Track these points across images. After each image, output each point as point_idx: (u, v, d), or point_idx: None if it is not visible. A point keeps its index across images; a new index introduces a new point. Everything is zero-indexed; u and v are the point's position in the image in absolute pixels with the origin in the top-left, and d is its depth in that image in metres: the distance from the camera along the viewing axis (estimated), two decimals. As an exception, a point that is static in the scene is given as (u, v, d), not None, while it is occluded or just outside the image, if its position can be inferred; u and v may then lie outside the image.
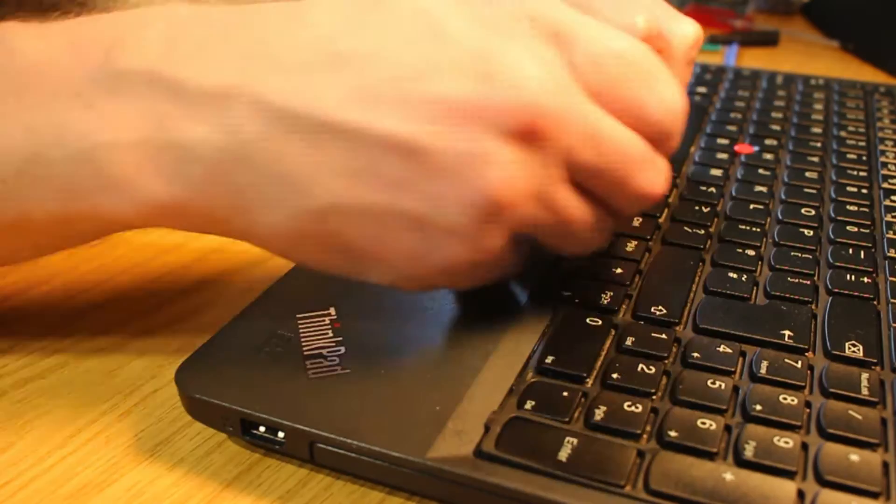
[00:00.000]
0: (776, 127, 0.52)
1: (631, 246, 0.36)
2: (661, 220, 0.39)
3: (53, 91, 0.26)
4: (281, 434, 0.27)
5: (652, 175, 0.28)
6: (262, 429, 0.27)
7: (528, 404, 0.27)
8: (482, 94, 0.24)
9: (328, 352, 0.29)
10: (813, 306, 0.32)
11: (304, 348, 0.29)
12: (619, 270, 0.34)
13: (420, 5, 0.26)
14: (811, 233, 0.38)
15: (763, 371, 0.28)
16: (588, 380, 0.28)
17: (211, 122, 0.25)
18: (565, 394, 0.27)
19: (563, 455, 0.25)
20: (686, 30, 0.34)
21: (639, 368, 0.28)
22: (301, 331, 0.30)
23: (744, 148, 0.48)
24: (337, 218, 0.26)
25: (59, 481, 0.27)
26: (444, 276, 0.27)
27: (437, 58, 0.25)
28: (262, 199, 0.26)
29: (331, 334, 0.30)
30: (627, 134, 0.27)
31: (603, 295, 0.32)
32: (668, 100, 0.27)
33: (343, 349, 0.29)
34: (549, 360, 0.29)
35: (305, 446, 0.26)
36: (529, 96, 0.24)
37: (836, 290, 0.33)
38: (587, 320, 0.31)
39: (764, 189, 0.42)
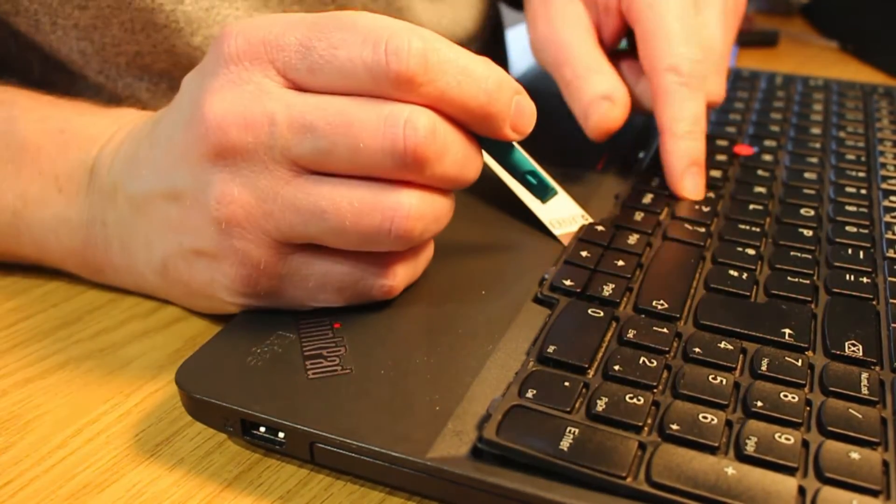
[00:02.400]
0: (775, 128, 0.52)
1: (633, 239, 0.36)
2: (661, 217, 0.39)
3: (39, 170, 0.35)
4: (281, 434, 0.27)
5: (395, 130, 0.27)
6: (262, 429, 0.27)
7: (530, 393, 0.27)
8: (186, 134, 0.29)
9: (328, 352, 0.29)
10: (813, 305, 0.32)
11: (305, 348, 0.29)
12: (620, 263, 0.34)
13: (181, 87, 0.31)
14: (810, 233, 0.38)
15: (764, 368, 0.28)
16: (590, 371, 0.28)
17: (115, 209, 0.33)
18: (567, 384, 0.27)
19: (565, 444, 0.25)
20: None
21: (640, 361, 0.28)
22: (301, 331, 0.30)
23: (743, 149, 0.48)
24: (170, 266, 0.32)
25: (59, 481, 0.27)
26: (249, 291, 0.30)
27: (177, 119, 0.30)
28: (137, 263, 0.33)
29: (331, 335, 0.30)
30: (340, 107, 0.27)
31: (605, 286, 0.32)
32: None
33: (343, 349, 0.29)
34: (551, 349, 0.29)
35: (305, 446, 0.26)
36: (211, 122, 0.27)
37: (836, 290, 0.33)
38: (589, 311, 0.31)
39: (763, 190, 0.43)
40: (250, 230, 0.28)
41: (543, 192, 0.33)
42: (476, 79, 0.28)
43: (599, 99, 0.41)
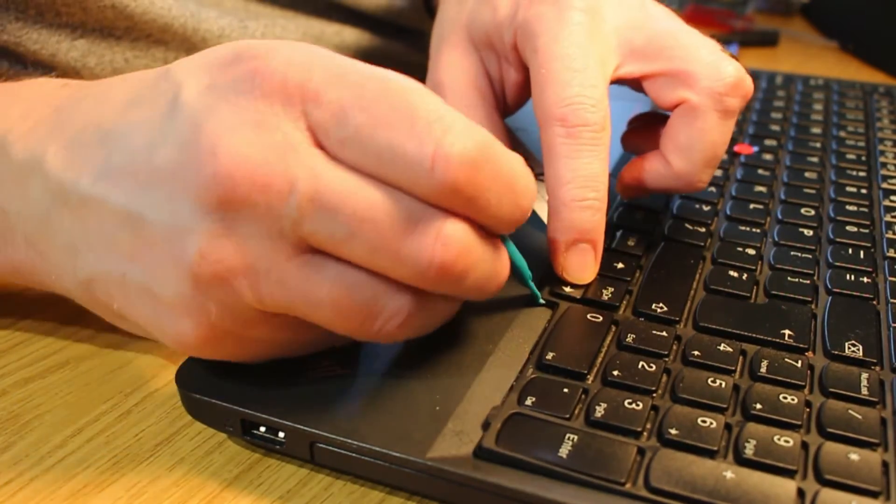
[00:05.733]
0: (776, 127, 0.52)
1: (632, 241, 0.36)
2: (661, 217, 0.39)
3: None
4: (281, 434, 0.27)
5: (421, 238, 0.24)
6: (262, 429, 0.27)
7: (529, 400, 0.27)
8: (180, 162, 0.24)
9: (328, 352, 0.29)
10: (813, 306, 0.32)
11: (305, 348, 0.29)
12: (619, 265, 0.34)
13: (176, 81, 0.25)
14: (811, 233, 0.38)
15: (763, 370, 0.28)
16: (589, 377, 0.28)
17: (24, 197, 0.28)
18: (566, 390, 0.27)
19: (564, 451, 0.25)
20: None
21: (639, 366, 0.28)
22: (301, 331, 0.30)
23: (743, 148, 0.48)
24: (98, 286, 0.27)
25: (59, 481, 0.27)
26: (204, 347, 0.26)
27: (167, 130, 0.24)
28: (50, 266, 0.28)
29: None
30: (370, 196, 0.24)
31: (604, 290, 0.32)
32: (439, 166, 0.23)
33: (343, 350, 0.29)
34: (550, 356, 0.29)
35: (306, 446, 0.26)
36: (221, 166, 0.23)
37: (836, 290, 0.33)
38: (588, 316, 0.31)
39: (763, 189, 0.43)
40: (230, 294, 0.24)
41: (536, 298, 0.32)
42: (518, 194, 0.25)
43: None
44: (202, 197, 0.23)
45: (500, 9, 0.37)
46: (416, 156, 0.23)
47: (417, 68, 0.57)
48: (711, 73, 0.34)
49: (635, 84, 0.36)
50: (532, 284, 0.31)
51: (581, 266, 0.33)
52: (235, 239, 0.24)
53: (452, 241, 0.24)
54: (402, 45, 0.59)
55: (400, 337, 0.26)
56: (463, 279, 0.25)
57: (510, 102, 0.39)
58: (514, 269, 0.29)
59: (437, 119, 0.23)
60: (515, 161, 0.25)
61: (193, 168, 0.23)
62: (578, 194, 0.32)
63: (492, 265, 0.26)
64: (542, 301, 0.32)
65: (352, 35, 0.54)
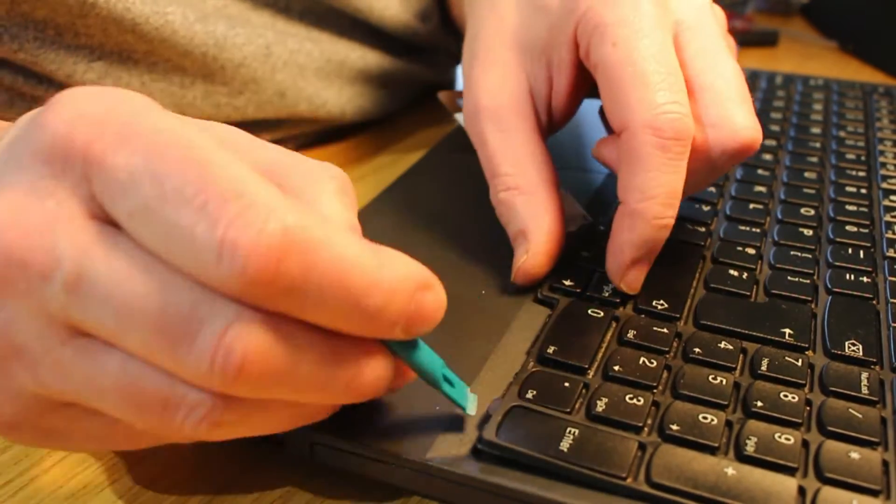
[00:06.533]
0: (775, 127, 0.52)
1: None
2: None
3: None
4: (281, 434, 0.27)
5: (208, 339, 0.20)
6: (262, 428, 0.27)
7: (530, 393, 0.27)
8: None
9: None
10: (813, 305, 0.32)
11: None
12: None
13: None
14: (811, 232, 0.38)
15: (764, 368, 0.28)
16: (589, 371, 0.28)
17: None
18: (567, 384, 0.27)
19: (565, 445, 0.25)
20: None
21: (640, 361, 0.28)
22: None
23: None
24: None
25: (59, 481, 0.27)
26: (9, 435, 0.23)
27: None
28: None
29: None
30: (145, 285, 0.20)
31: (605, 286, 0.32)
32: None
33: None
34: (551, 350, 0.29)
35: (306, 446, 0.26)
36: None
37: (836, 290, 0.33)
38: (589, 311, 0.31)
39: (763, 189, 0.43)
40: (8, 379, 0.21)
41: (463, 397, 0.25)
42: (353, 291, 0.20)
43: (515, 235, 0.34)
44: None
45: (552, 8, 0.35)
46: (204, 241, 0.19)
47: (436, 87, 0.57)
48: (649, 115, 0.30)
49: None
50: (450, 392, 0.25)
51: (636, 281, 0.32)
52: (2, 315, 0.21)
53: (238, 345, 0.19)
54: (423, 65, 0.59)
55: (221, 436, 0.22)
56: (270, 387, 0.20)
57: (557, 118, 0.36)
58: (430, 374, 0.24)
59: (236, 197, 0.19)
60: (353, 249, 0.20)
61: None
62: (661, 212, 0.30)
63: (334, 371, 0.21)
64: (470, 412, 0.26)
65: (374, 58, 0.54)
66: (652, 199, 0.30)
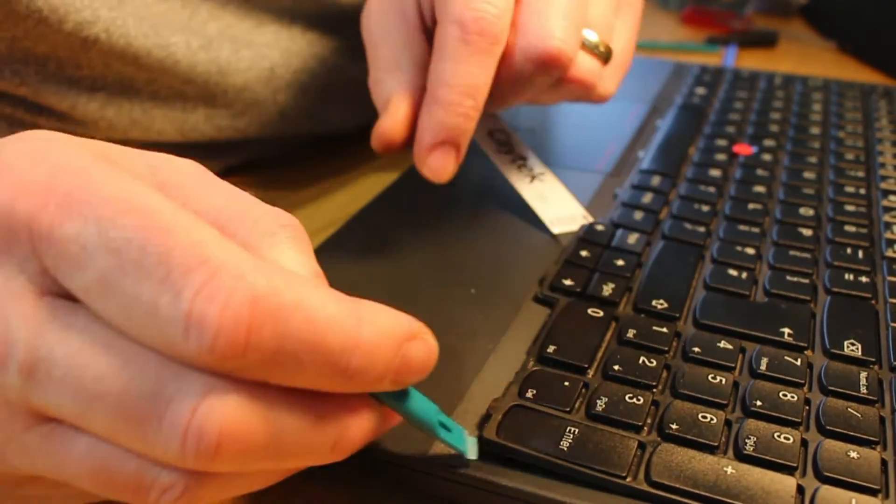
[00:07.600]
0: (775, 128, 0.52)
1: (632, 239, 0.36)
2: (660, 217, 0.39)
3: None
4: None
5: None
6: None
7: (530, 393, 0.27)
8: None
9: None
10: (812, 305, 0.33)
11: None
12: (620, 262, 0.34)
13: None
14: (810, 232, 0.38)
15: (763, 368, 0.28)
16: (589, 370, 0.28)
17: None
18: (567, 384, 0.27)
19: (565, 444, 0.25)
20: None
21: (640, 361, 0.28)
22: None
23: (742, 149, 0.48)
24: None
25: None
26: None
27: None
28: None
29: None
30: (106, 364, 0.19)
31: (604, 286, 0.33)
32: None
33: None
34: (551, 349, 0.29)
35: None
36: None
37: (835, 290, 0.34)
38: (589, 311, 0.31)
39: (762, 189, 0.43)
40: None
41: (462, 441, 0.24)
42: (330, 353, 0.19)
43: (382, 107, 0.35)
44: None
45: None
46: (169, 314, 0.18)
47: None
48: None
49: None
50: (447, 439, 0.24)
51: (442, 166, 0.33)
52: None
53: (211, 421, 0.18)
54: None
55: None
56: (250, 461, 0.19)
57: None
58: (424, 421, 0.23)
59: (199, 264, 0.18)
60: (328, 309, 0.19)
61: None
62: (457, 99, 0.32)
63: (318, 435, 0.20)
64: (471, 457, 0.24)
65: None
66: (448, 86, 0.32)
